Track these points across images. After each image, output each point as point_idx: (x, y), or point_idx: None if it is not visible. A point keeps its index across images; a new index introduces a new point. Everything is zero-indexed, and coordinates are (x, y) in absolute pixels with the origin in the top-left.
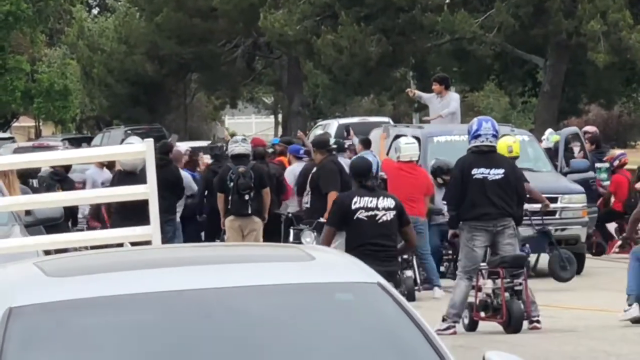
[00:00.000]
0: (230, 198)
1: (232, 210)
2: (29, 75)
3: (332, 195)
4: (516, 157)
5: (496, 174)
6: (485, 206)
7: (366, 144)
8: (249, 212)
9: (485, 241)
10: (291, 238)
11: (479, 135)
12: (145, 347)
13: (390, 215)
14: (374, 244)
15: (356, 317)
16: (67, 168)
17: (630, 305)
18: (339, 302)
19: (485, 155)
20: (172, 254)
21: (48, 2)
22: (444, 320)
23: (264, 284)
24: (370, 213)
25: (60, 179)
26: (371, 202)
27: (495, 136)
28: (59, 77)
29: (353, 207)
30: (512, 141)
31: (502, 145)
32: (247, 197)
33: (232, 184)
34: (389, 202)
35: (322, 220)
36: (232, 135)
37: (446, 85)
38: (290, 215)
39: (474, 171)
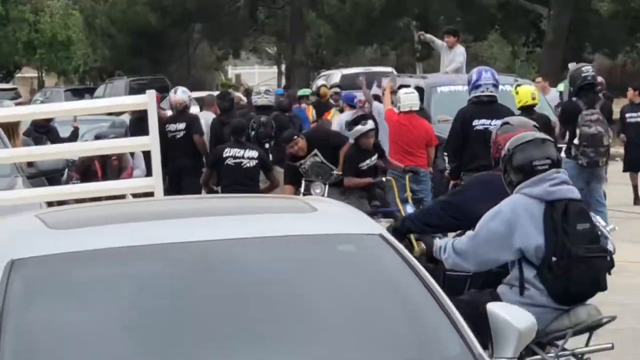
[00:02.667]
0: None
1: None
2: (32, 26)
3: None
4: (535, 105)
5: (498, 124)
6: (488, 158)
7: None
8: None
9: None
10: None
11: (479, 86)
12: (146, 299)
13: (253, 163)
14: (238, 184)
15: (358, 269)
16: (49, 119)
17: None
18: (341, 253)
19: (486, 105)
20: (174, 205)
21: None
22: None
23: (266, 235)
24: (237, 161)
25: (46, 130)
26: (239, 152)
27: (496, 86)
28: (61, 27)
29: (224, 155)
30: (534, 89)
31: (527, 92)
32: (267, 145)
33: (253, 133)
34: (253, 154)
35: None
36: (247, 89)
37: (458, 38)
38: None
39: (475, 122)
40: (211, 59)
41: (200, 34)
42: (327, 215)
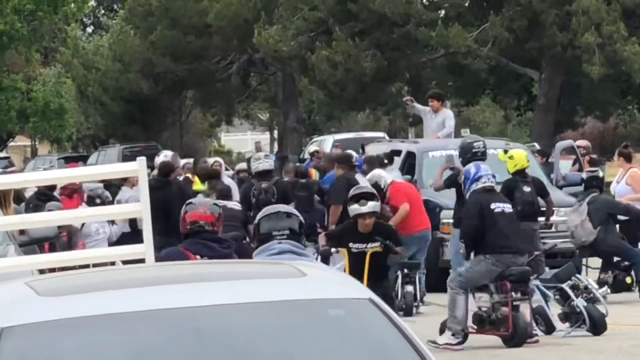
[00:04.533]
0: (252, 214)
1: None
2: (24, 94)
3: (334, 209)
4: (527, 167)
5: (509, 208)
6: (513, 237)
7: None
8: None
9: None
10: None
11: (481, 177)
12: None
13: None
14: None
15: (348, 333)
16: (52, 187)
17: None
18: (330, 318)
19: (492, 192)
20: (164, 272)
21: (42, 21)
22: (453, 335)
23: (256, 301)
24: None
25: (47, 198)
26: None
27: (494, 176)
28: (54, 96)
29: None
30: (527, 152)
31: (522, 156)
32: None
33: (254, 200)
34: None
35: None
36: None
37: (442, 101)
38: None
39: (493, 205)
40: (204, 126)
41: (192, 100)
42: (317, 280)
